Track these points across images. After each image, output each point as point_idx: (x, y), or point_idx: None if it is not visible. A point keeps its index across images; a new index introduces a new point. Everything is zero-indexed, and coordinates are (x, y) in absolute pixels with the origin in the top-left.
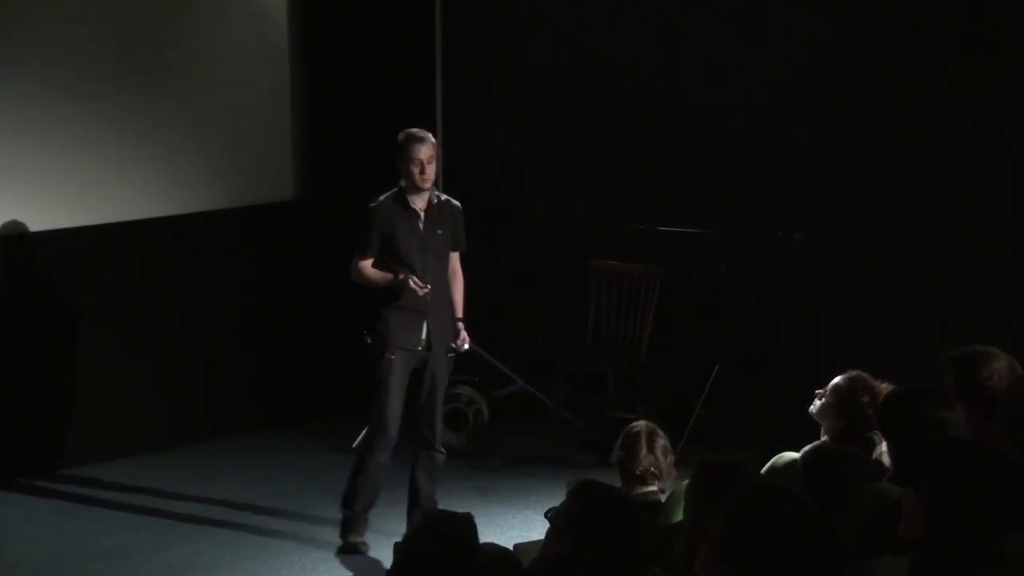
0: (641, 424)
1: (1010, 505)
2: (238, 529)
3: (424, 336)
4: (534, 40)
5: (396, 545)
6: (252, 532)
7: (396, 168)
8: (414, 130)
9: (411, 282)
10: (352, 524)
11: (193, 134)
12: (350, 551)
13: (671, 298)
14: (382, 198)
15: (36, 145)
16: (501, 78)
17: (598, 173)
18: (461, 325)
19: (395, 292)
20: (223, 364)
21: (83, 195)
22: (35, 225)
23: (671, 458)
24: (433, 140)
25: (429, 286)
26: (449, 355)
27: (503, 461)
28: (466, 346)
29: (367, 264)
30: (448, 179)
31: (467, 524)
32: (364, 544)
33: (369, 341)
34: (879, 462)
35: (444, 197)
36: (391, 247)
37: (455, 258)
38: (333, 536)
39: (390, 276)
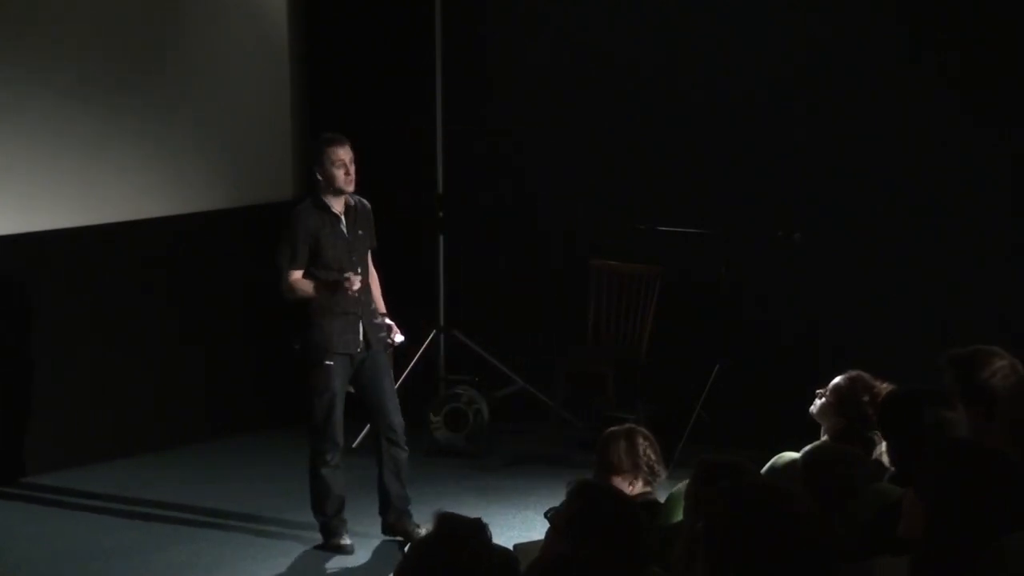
0: (620, 428)
1: (1010, 505)
2: (238, 529)
3: (361, 337)
4: (534, 40)
5: (407, 546)
6: (252, 532)
7: (313, 173)
8: (333, 133)
9: (349, 279)
10: (330, 528)
11: (193, 134)
12: (337, 552)
13: (671, 298)
14: (300, 207)
15: (36, 145)
16: (501, 78)
17: (598, 173)
18: (390, 321)
19: (328, 299)
20: (223, 364)
21: (83, 195)
22: (35, 225)
23: (654, 457)
24: (349, 143)
25: (359, 275)
26: (387, 351)
27: (503, 461)
28: (399, 338)
29: (298, 276)
30: (448, 179)
31: (482, 531)
32: (349, 546)
33: (297, 348)
34: (879, 462)
35: (357, 197)
36: (318, 255)
37: (369, 256)
38: None
39: (329, 280)
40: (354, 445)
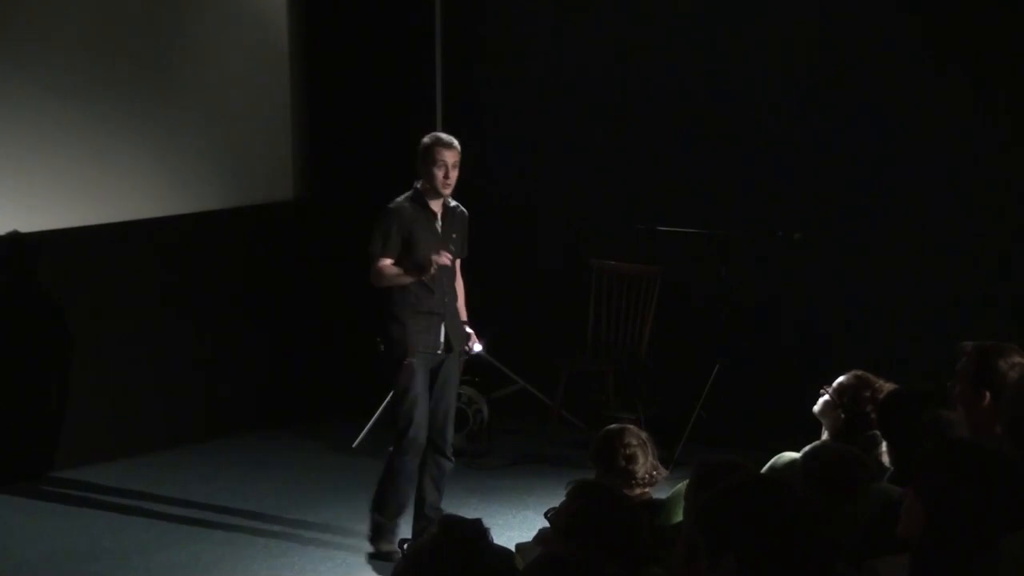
0: (612, 428)
1: (1010, 505)
2: (238, 529)
3: (442, 338)
4: (534, 40)
5: (405, 545)
6: (252, 532)
7: (415, 169)
8: (442, 134)
9: (435, 259)
10: (383, 531)
11: (193, 134)
12: (383, 559)
13: (671, 298)
14: (399, 199)
15: (36, 145)
16: (501, 78)
17: (598, 173)
18: (470, 329)
19: (413, 294)
20: (223, 364)
21: (83, 195)
22: (35, 225)
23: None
24: (458, 147)
25: (446, 254)
26: (461, 358)
27: (503, 461)
28: (477, 347)
29: (387, 263)
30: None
31: (483, 534)
32: (396, 553)
33: (382, 348)
34: (879, 462)
35: (454, 203)
36: (411, 249)
37: (458, 263)
38: (333, 536)
39: (417, 267)
40: (354, 445)
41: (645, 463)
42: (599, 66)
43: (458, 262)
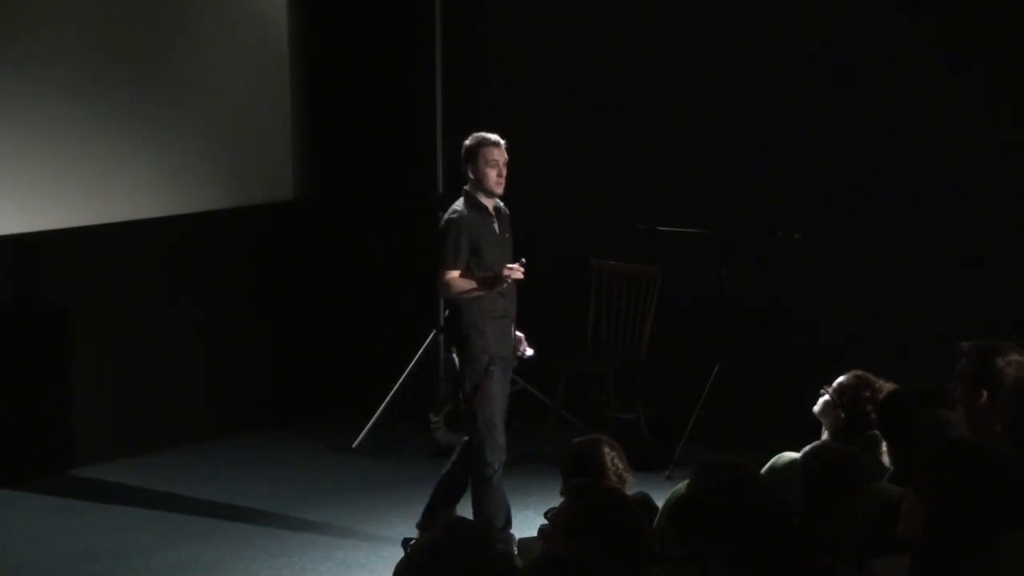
0: (584, 438)
1: (1010, 505)
2: (238, 529)
3: (513, 342)
4: (534, 40)
5: (407, 543)
6: (252, 532)
7: (464, 173)
8: (488, 133)
9: (513, 268)
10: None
11: (193, 134)
12: None
13: (671, 298)
14: (458, 207)
15: (36, 145)
16: (501, 78)
17: (598, 173)
18: (519, 333)
19: (488, 300)
20: (223, 364)
21: (83, 195)
22: (35, 225)
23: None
24: (505, 144)
25: (519, 268)
26: (514, 363)
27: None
28: (529, 352)
29: (456, 276)
30: (448, 179)
31: (487, 536)
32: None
33: (455, 357)
34: (879, 462)
35: (500, 203)
36: (479, 256)
37: None
38: (333, 536)
39: (488, 277)
40: (354, 445)
41: (627, 468)
42: (599, 66)
43: None
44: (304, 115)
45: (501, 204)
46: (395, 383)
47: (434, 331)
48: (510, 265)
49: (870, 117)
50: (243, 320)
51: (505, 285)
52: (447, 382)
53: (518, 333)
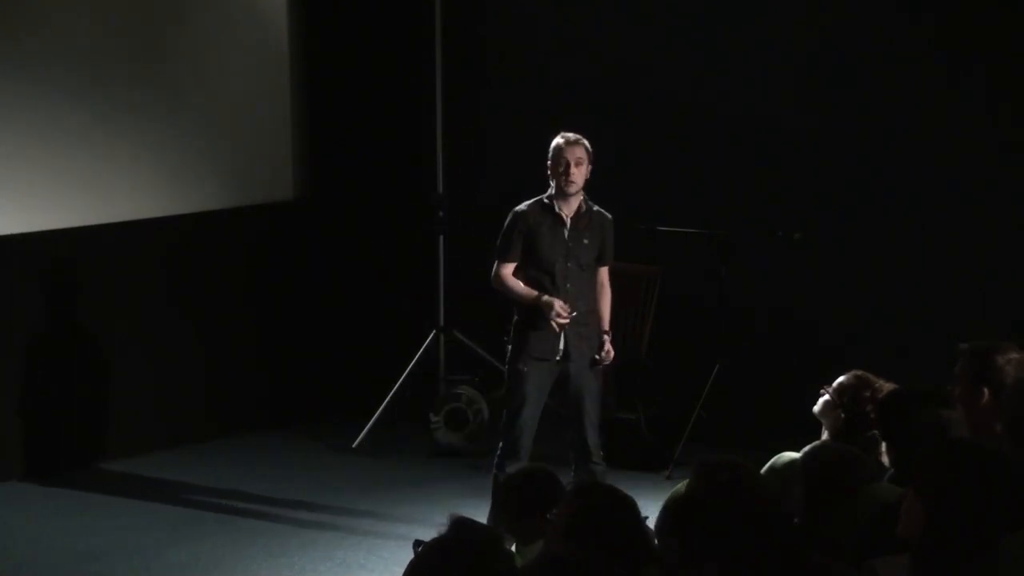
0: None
1: (1010, 505)
2: (238, 529)
3: (562, 346)
4: (534, 40)
5: (418, 544)
6: (252, 532)
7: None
8: (568, 133)
9: (553, 311)
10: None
11: (193, 134)
12: None
13: (671, 298)
14: (528, 203)
15: (36, 145)
16: (501, 78)
17: (598, 173)
18: (607, 337)
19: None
20: (223, 364)
21: (83, 195)
22: (35, 225)
23: None
24: (586, 144)
25: (571, 315)
26: (596, 367)
27: None
28: (610, 358)
29: (508, 272)
30: (448, 179)
31: (496, 541)
32: None
33: (508, 348)
34: (879, 462)
35: (596, 208)
36: (533, 252)
37: (603, 272)
38: (333, 536)
39: (533, 295)
40: (354, 445)
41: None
42: (599, 66)
43: (604, 270)
44: (304, 115)
45: (597, 211)
46: (395, 383)
47: (434, 331)
48: (561, 305)
49: (870, 117)
50: (243, 320)
51: (555, 322)
52: (447, 382)
53: (604, 337)
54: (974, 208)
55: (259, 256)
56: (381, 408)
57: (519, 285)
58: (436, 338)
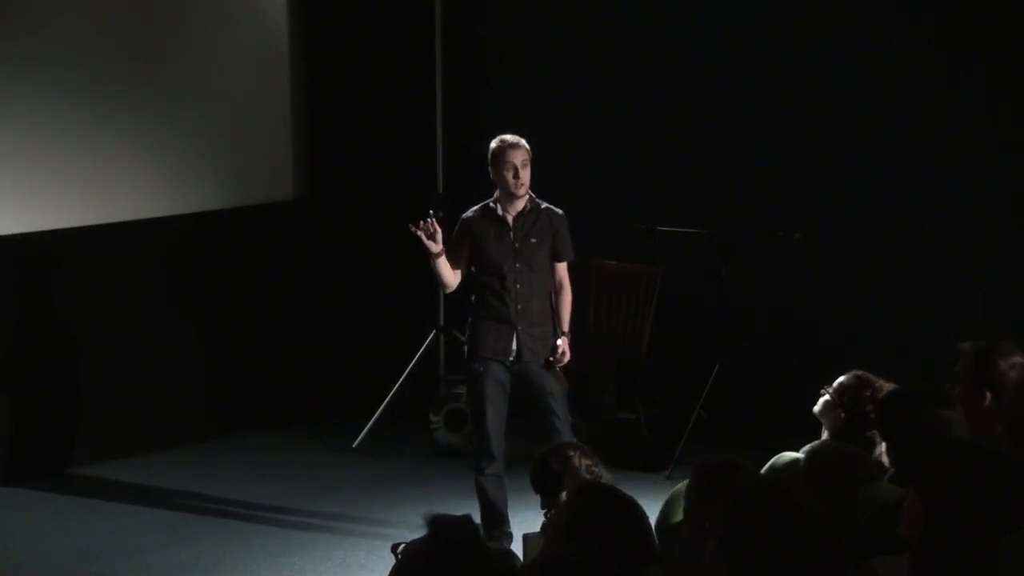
0: (548, 448)
1: (1010, 505)
2: (238, 529)
3: (515, 347)
4: (534, 40)
5: (397, 548)
6: (252, 532)
7: (490, 178)
8: (507, 135)
9: (413, 228)
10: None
11: (193, 134)
12: None
13: (671, 298)
14: (475, 208)
15: (36, 145)
16: (501, 78)
17: (598, 173)
18: (564, 339)
19: (486, 302)
20: (223, 364)
21: (83, 195)
22: (35, 225)
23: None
24: (526, 145)
25: (432, 219)
26: (551, 369)
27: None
28: (566, 359)
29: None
30: (448, 179)
31: (474, 531)
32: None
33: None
34: (879, 462)
35: (545, 205)
36: (482, 258)
37: (560, 268)
38: (333, 536)
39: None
40: (354, 445)
41: (598, 463)
42: (599, 66)
43: (562, 267)
44: (304, 115)
45: (545, 209)
46: (395, 383)
47: (434, 331)
48: (422, 224)
49: (870, 117)
50: (243, 320)
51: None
52: (447, 382)
53: (559, 341)
54: (974, 208)
55: (259, 256)
56: (381, 408)
57: (441, 269)
58: (436, 338)
